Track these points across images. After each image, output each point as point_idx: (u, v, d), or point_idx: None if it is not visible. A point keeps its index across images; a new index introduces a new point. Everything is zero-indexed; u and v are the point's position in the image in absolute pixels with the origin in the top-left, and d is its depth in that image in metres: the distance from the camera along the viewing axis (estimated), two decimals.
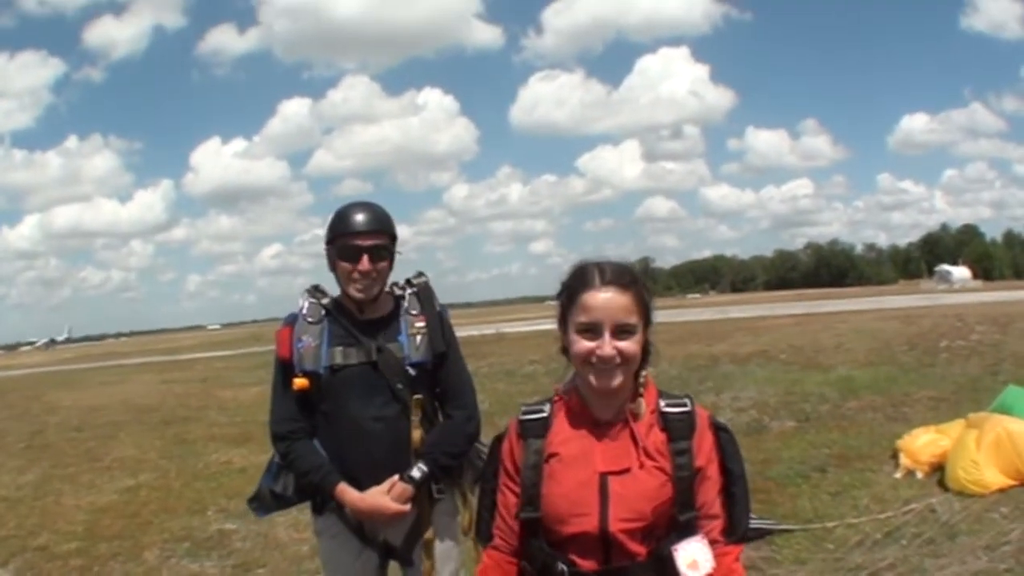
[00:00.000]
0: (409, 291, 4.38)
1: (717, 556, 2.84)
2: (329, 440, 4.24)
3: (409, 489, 4.09)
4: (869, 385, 15.45)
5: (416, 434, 4.18)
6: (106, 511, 11.17)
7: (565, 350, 2.97)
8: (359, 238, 4.11)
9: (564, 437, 2.95)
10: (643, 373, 2.96)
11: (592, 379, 2.85)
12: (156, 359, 57.66)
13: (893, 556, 6.88)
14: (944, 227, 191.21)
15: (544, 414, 3.01)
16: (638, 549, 2.81)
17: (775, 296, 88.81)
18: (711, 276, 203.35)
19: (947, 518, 7.69)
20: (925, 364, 17.74)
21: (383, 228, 4.21)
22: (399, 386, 4.16)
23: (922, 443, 9.39)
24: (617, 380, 2.83)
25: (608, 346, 2.80)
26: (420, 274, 4.46)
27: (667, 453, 2.86)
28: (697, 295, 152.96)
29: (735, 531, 2.97)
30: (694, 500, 2.86)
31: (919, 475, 9.06)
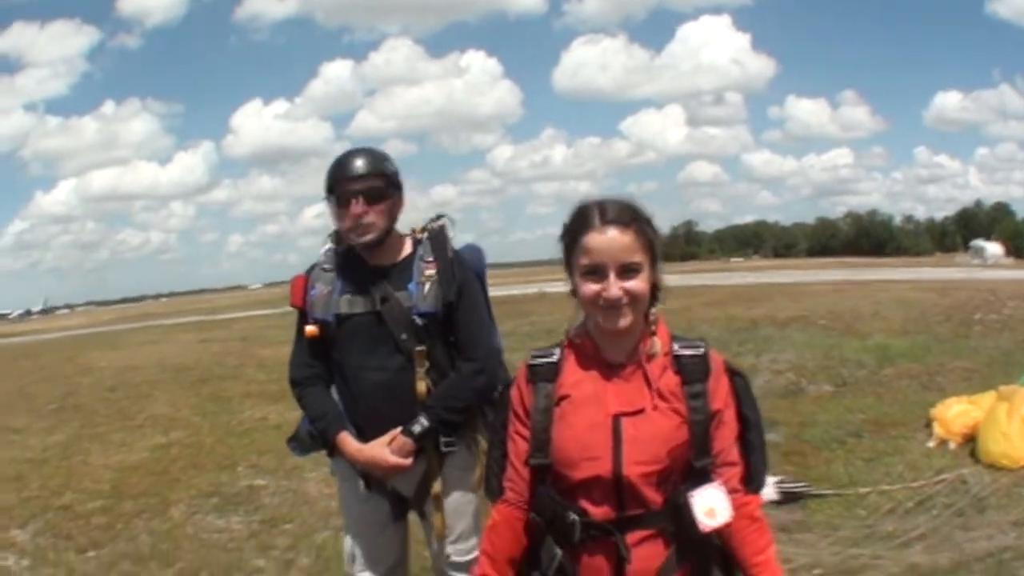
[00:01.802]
0: (425, 236, 4.23)
1: (737, 505, 2.74)
2: (340, 390, 4.21)
3: (408, 443, 4.00)
4: (905, 353, 15.14)
5: (421, 387, 4.06)
6: (135, 469, 11.14)
7: (574, 292, 2.85)
8: (350, 182, 4.00)
9: (575, 379, 2.86)
10: (653, 312, 2.87)
11: (601, 320, 2.78)
12: (195, 319, 57.74)
13: (924, 526, 6.75)
14: (978, 203, 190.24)
15: (554, 358, 2.93)
16: (653, 496, 2.72)
17: (816, 263, 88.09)
18: (753, 241, 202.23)
19: (977, 490, 7.54)
20: (959, 335, 17.45)
21: (374, 170, 4.05)
22: (403, 337, 4.03)
23: (954, 413, 9.22)
24: (625, 320, 2.75)
25: (614, 287, 2.72)
26: (437, 217, 4.30)
27: (681, 395, 2.78)
28: (740, 259, 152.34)
29: (754, 479, 2.89)
30: (710, 446, 2.77)
31: (952, 445, 8.90)
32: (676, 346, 2.86)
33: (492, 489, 3.07)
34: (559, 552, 2.77)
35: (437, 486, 4.14)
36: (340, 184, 4.02)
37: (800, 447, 9.21)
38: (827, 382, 13.32)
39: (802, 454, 8.96)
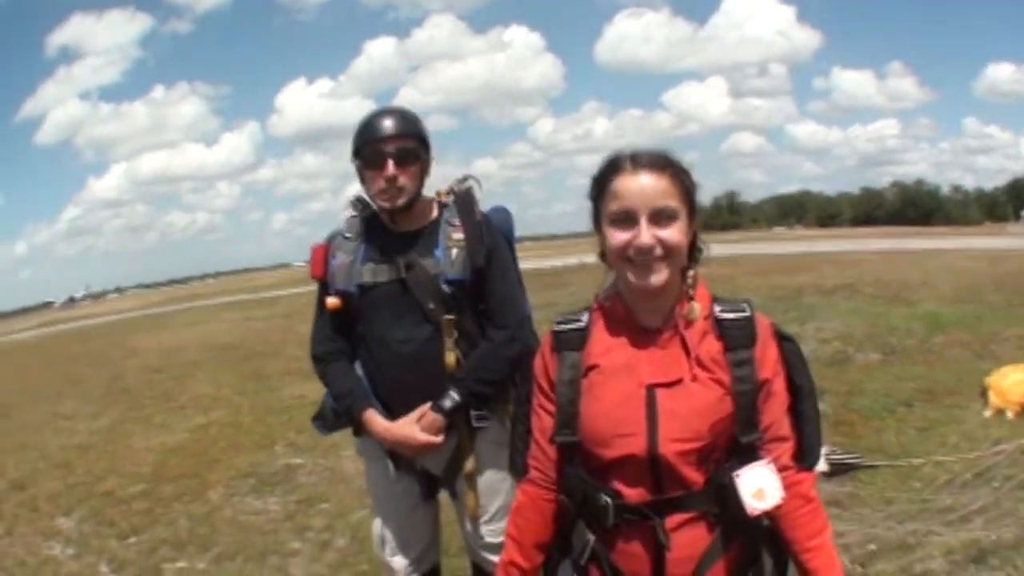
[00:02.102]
0: (451, 199, 3.99)
1: (788, 485, 2.48)
2: (365, 364, 3.98)
3: (439, 419, 3.79)
4: (956, 322, 14.85)
5: (451, 358, 3.83)
6: (175, 451, 11.11)
7: (604, 255, 2.61)
8: (382, 143, 3.75)
9: (605, 347, 2.60)
10: (690, 273, 2.60)
11: (631, 277, 2.50)
12: (240, 298, 57.78)
13: (984, 499, 6.45)
14: None
15: (582, 323, 2.67)
16: (693, 476, 2.45)
17: (861, 232, 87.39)
18: (797, 211, 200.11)
19: None
20: (1013, 304, 17.02)
21: (408, 131, 3.82)
22: (430, 306, 3.80)
23: (1012, 381, 8.89)
24: (660, 276, 2.47)
25: (646, 234, 2.44)
26: (464, 179, 4.05)
27: (724, 364, 2.49)
28: (783, 228, 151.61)
29: (807, 456, 2.61)
30: (757, 419, 2.49)
31: (1009, 415, 8.59)
32: (717, 309, 2.58)
33: (516, 467, 2.87)
34: (591, 537, 2.54)
35: (469, 464, 3.93)
36: (371, 145, 3.79)
37: (848, 416, 8.96)
38: (875, 350, 12.99)
39: (851, 424, 8.70)
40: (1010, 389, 8.81)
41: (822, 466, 6.90)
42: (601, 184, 2.57)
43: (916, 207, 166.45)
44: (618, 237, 2.49)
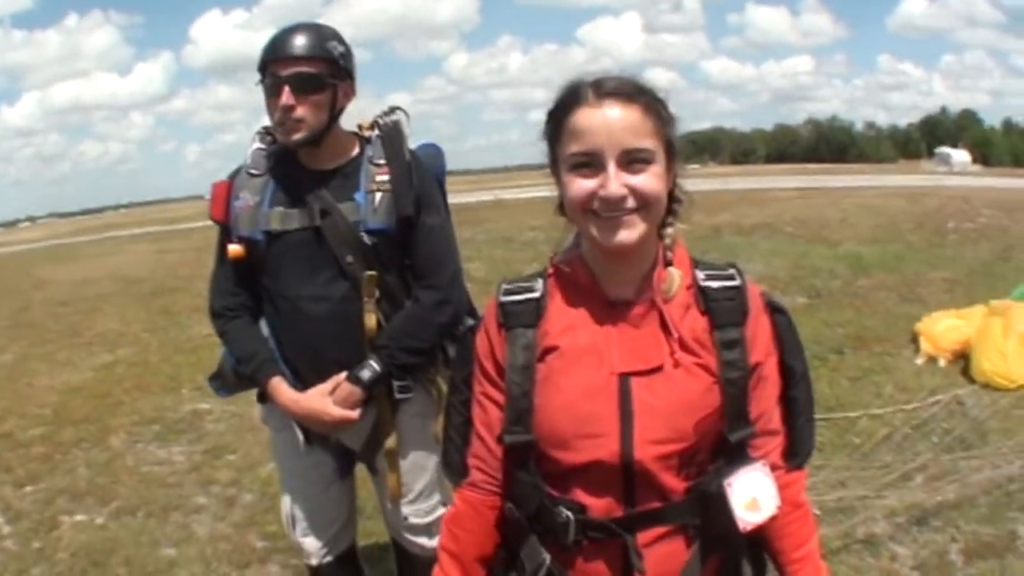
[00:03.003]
0: (375, 133, 3.48)
1: (779, 487, 2.09)
2: (272, 322, 3.51)
3: (356, 391, 3.34)
4: (878, 263, 14.93)
5: (371, 320, 3.36)
6: (78, 391, 10.71)
7: (562, 207, 2.13)
8: (281, 65, 3.22)
9: (565, 324, 2.11)
10: (668, 231, 2.12)
11: (596, 234, 2.01)
12: (153, 229, 56.83)
13: (924, 455, 6.37)
14: (944, 111, 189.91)
15: (536, 294, 2.16)
16: (673, 484, 2.03)
17: (776, 169, 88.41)
18: (710, 147, 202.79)
19: (976, 413, 7.20)
20: (934, 244, 17.29)
21: (313, 51, 3.24)
22: (348, 259, 3.31)
23: (943, 328, 8.90)
24: (632, 232, 1.98)
25: (614, 182, 1.94)
26: (391, 110, 3.53)
27: (710, 345, 2.05)
28: (696, 166, 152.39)
29: (799, 452, 2.22)
30: (748, 411, 2.07)
31: (941, 362, 8.59)
32: (701, 275, 2.13)
33: (453, 467, 2.35)
34: (547, 557, 2.10)
35: (391, 440, 3.50)
36: (271, 66, 3.25)
37: None
38: (800, 293, 12.96)
39: None
40: (942, 336, 8.83)
41: None
42: (557, 120, 2.07)
43: (830, 144, 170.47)
44: (580, 186, 2.00)
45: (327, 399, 3.35)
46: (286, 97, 3.19)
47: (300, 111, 3.22)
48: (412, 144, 3.53)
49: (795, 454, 2.20)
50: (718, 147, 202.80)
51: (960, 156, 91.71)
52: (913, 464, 6.21)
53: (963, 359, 8.41)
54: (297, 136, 3.26)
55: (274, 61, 3.23)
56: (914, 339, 9.17)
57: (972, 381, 7.98)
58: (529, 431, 2.06)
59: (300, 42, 3.24)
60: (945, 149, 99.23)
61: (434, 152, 3.66)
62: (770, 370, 2.14)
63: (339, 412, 3.34)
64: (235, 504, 6.59)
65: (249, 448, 7.73)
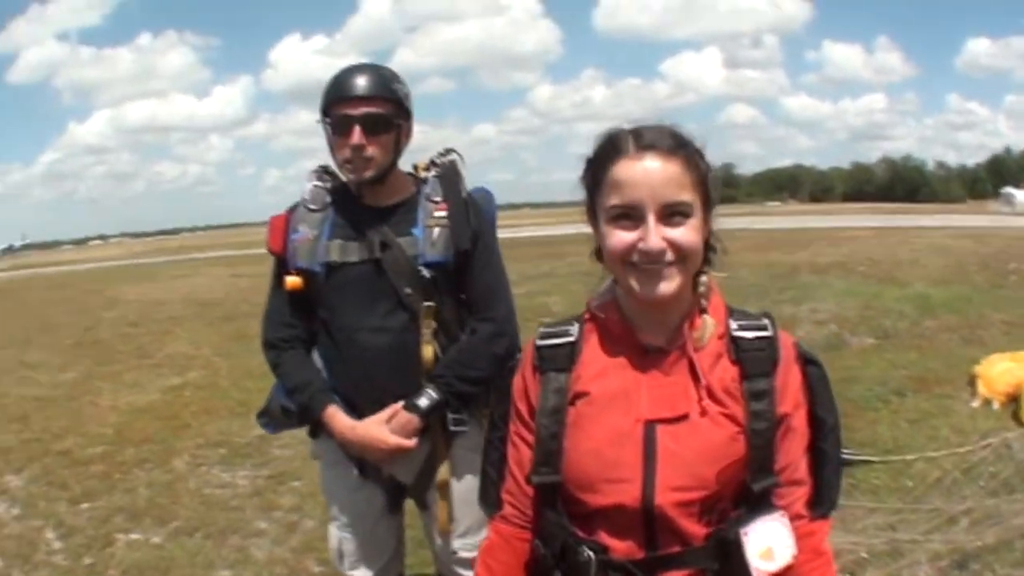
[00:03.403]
0: (432, 173, 3.58)
1: (800, 536, 2.10)
2: (327, 353, 3.58)
3: (414, 420, 3.39)
4: (944, 304, 14.92)
5: (428, 351, 3.42)
6: (143, 412, 10.83)
7: (599, 252, 2.16)
8: (350, 105, 3.31)
9: (598, 370, 2.16)
10: (703, 279, 2.16)
11: (635, 285, 2.05)
12: (229, 253, 57.08)
13: (970, 499, 6.34)
14: (1007, 150, 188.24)
15: (571, 338, 2.22)
16: (693, 530, 2.06)
17: (852, 207, 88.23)
18: (790, 185, 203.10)
19: (1022, 456, 7.15)
20: (996, 285, 17.29)
21: (382, 93, 3.35)
22: (407, 291, 3.38)
23: (998, 371, 8.84)
24: (670, 284, 2.03)
25: (654, 235, 1.99)
26: (447, 151, 3.64)
27: (739, 395, 2.07)
28: (777, 203, 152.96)
29: (824, 502, 2.21)
30: (773, 461, 2.09)
31: (995, 405, 8.54)
32: (734, 325, 2.16)
33: (489, 500, 2.44)
34: None
35: (443, 471, 3.56)
36: (338, 106, 3.34)
37: (844, 407, 8.53)
38: (869, 334, 12.98)
39: (846, 415, 8.28)
40: (997, 379, 8.79)
41: None
42: (597, 169, 2.12)
43: (904, 182, 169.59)
44: (620, 238, 2.04)
45: (384, 427, 3.40)
46: (357, 137, 3.29)
47: (370, 150, 3.32)
48: (471, 182, 3.62)
49: (820, 503, 2.21)
50: (798, 184, 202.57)
51: (1022, 196, 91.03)
52: (959, 507, 6.20)
53: (1015, 402, 8.35)
54: (366, 174, 3.37)
55: (343, 101, 3.33)
56: (971, 381, 9.11)
57: (1021, 424, 7.94)
58: (557, 472, 2.13)
59: (369, 83, 3.35)
60: (1009, 189, 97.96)
61: (486, 195, 3.71)
62: (799, 421, 2.16)
63: (396, 439, 3.39)
64: (296, 530, 6.61)
65: (314, 475, 7.56)
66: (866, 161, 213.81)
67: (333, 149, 3.42)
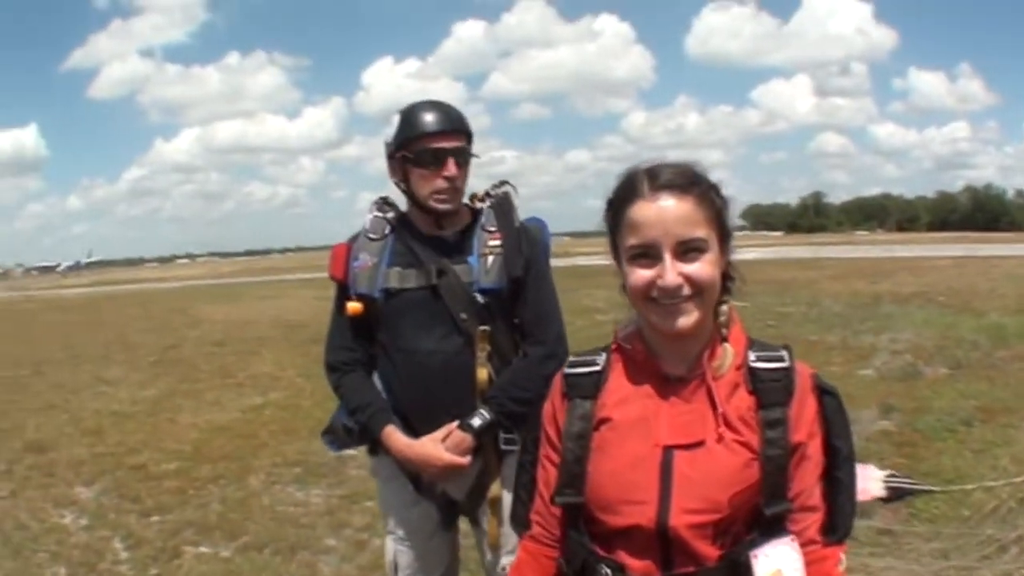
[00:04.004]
0: (487, 204, 3.77)
1: (811, 562, 2.18)
2: (386, 375, 3.77)
3: (467, 439, 3.56)
4: (1019, 333, 14.85)
5: (482, 373, 3.60)
6: (222, 430, 11.05)
7: (625, 288, 2.27)
8: (441, 139, 3.54)
9: (621, 397, 2.29)
10: (723, 308, 2.28)
11: (655, 319, 2.20)
12: (318, 275, 57.55)
13: (1022, 528, 6.38)
14: None
15: (597, 367, 2.35)
16: (707, 551, 2.15)
17: (936, 237, 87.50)
18: (879, 214, 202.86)
19: None
20: None
21: (464, 128, 3.63)
22: (463, 316, 3.57)
23: None
24: (687, 319, 2.17)
25: (671, 272, 2.12)
26: (501, 183, 3.83)
27: (754, 423, 2.17)
28: (865, 232, 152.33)
29: (837, 529, 2.28)
30: (786, 488, 2.17)
31: None
32: (752, 356, 2.26)
33: (519, 519, 2.59)
34: None
35: (495, 488, 3.72)
36: (428, 141, 3.55)
37: (913, 437, 8.88)
38: (943, 364, 12.92)
39: (914, 444, 8.60)
40: None
41: (881, 491, 6.96)
42: (616, 211, 2.27)
43: (985, 211, 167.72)
44: (639, 276, 2.17)
45: (439, 445, 3.58)
46: (453, 169, 3.55)
47: (459, 181, 3.58)
48: (529, 211, 3.85)
49: (834, 530, 2.29)
50: (885, 213, 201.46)
51: None
52: (1010, 536, 6.25)
53: None
54: (453, 204, 3.63)
55: (435, 135, 3.55)
56: None
57: None
58: (580, 494, 2.26)
59: (454, 118, 3.62)
60: None
61: (539, 225, 3.89)
62: (813, 450, 2.23)
63: (450, 457, 3.56)
64: (365, 548, 6.71)
65: None
66: (950, 190, 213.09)
67: (414, 181, 3.63)
